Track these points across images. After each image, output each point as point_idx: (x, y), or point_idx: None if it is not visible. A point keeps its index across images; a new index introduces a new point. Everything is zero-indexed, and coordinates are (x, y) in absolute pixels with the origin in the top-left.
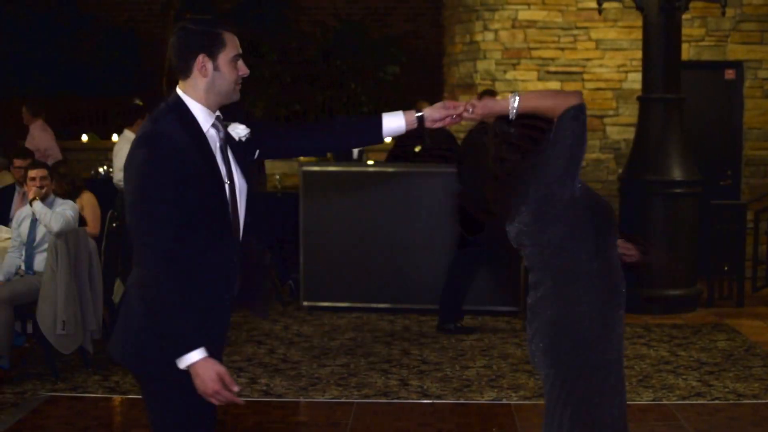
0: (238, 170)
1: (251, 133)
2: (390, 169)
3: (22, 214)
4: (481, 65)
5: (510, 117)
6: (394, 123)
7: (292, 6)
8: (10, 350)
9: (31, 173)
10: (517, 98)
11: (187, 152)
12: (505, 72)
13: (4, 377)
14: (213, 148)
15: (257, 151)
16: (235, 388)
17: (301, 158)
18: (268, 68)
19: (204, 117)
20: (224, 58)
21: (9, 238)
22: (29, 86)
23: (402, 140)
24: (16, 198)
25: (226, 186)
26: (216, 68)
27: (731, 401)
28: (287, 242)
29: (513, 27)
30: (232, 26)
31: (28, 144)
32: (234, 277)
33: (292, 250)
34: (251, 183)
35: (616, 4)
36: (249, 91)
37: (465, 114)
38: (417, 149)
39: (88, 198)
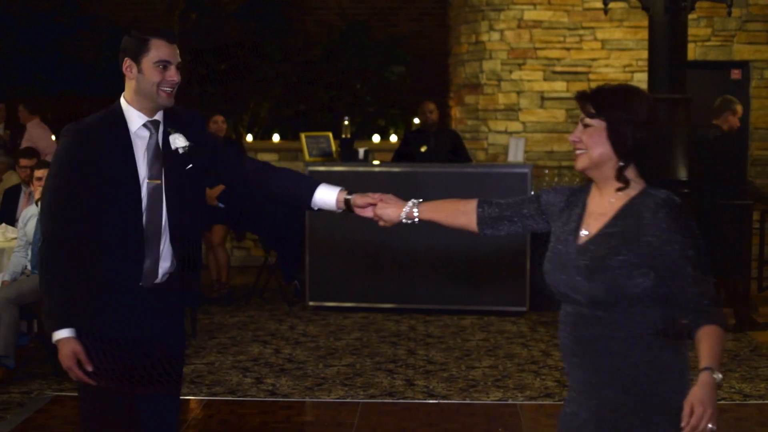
0: (172, 173)
1: (193, 148)
2: (396, 169)
3: (27, 213)
4: (487, 65)
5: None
6: (326, 196)
7: (297, 6)
8: (16, 350)
9: (38, 173)
10: (416, 210)
11: (101, 145)
12: (510, 72)
13: (9, 377)
14: (137, 147)
15: (195, 165)
16: (89, 368)
17: (307, 158)
18: (272, 68)
19: (133, 117)
20: (148, 62)
21: (15, 238)
22: (32, 86)
23: (408, 140)
24: (22, 198)
25: (145, 184)
26: (140, 71)
27: (737, 402)
28: (293, 242)
29: (519, 27)
30: (166, 36)
31: (26, 142)
32: (139, 270)
33: (298, 250)
34: (188, 188)
35: (621, 4)
36: (254, 92)
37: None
38: (423, 149)
39: None
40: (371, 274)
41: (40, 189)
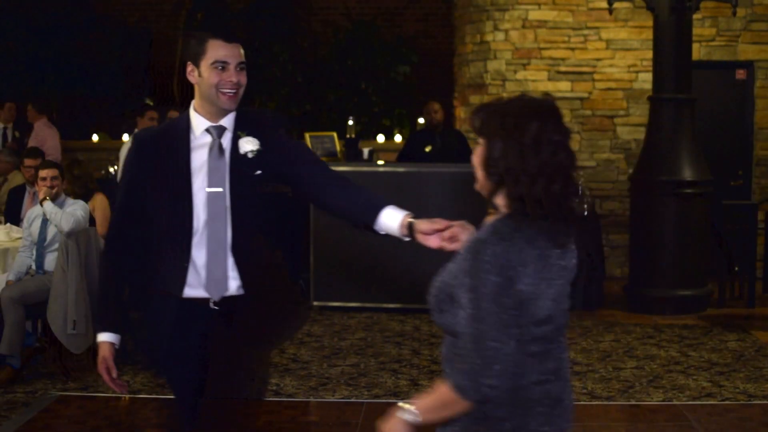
0: (237, 180)
1: (264, 153)
2: (400, 170)
3: (32, 213)
4: (492, 65)
5: None
6: (390, 220)
7: (304, 6)
8: (21, 350)
9: (42, 173)
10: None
11: (156, 153)
12: (515, 72)
13: (15, 376)
14: (197, 154)
15: (264, 170)
16: (114, 374)
17: None
18: (279, 68)
19: (198, 123)
20: (205, 64)
21: (20, 238)
22: (41, 86)
23: (412, 140)
24: (27, 198)
25: (203, 192)
26: (200, 74)
27: (742, 402)
28: (297, 242)
29: (523, 27)
30: (224, 34)
31: (32, 142)
32: (182, 276)
33: (302, 249)
34: (247, 194)
35: (626, 4)
36: (260, 91)
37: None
38: (427, 149)
39: (100, 200)
40: (376, 273)
41: (44, 189)
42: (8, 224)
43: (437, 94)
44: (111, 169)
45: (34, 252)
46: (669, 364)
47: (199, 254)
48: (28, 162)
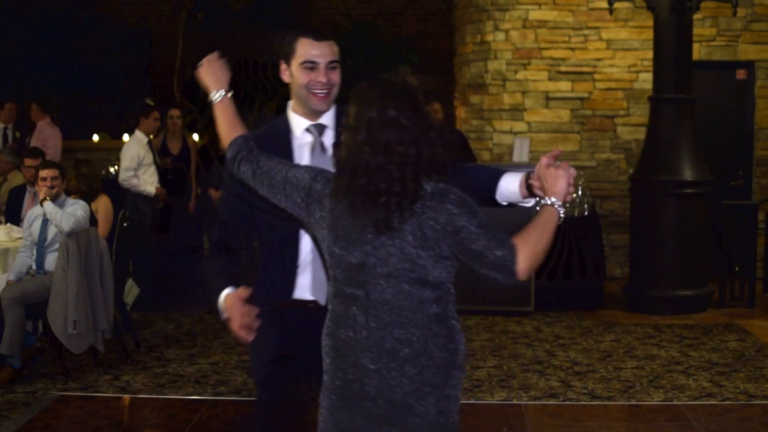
0: None
1: None
2: None
3: (33, 213)
4: (492, 65)
5: None
6: (510, 184)
7: (304, 6)
8: (21, 350)
9: (42, 173)
10: None
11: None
12: (516, 72)
13: (15, 376)
14: (299, 154)
15: None
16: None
17: None
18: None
19: (297, 123)
20: (296, 63)
21: (20, 238)
22: (42, 86)
23: None
24: (27, 198)
25: None
26: (291, 74)
27: (742, 402)
28: None
29: (524, 27)
30: (313, 33)
31: (35, 141)
32: (292, 279)
33: None
34: None
35: (627, 4)
36: (260, 91)
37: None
38: None
39: (103, 202)
40: None
41: (45, 189)
42: (8, 224)
43: (437, 94)
44: (111, 169)
45: (35, 252)
46: (669, 364)
47: (305, 255)
48: (28, 162)
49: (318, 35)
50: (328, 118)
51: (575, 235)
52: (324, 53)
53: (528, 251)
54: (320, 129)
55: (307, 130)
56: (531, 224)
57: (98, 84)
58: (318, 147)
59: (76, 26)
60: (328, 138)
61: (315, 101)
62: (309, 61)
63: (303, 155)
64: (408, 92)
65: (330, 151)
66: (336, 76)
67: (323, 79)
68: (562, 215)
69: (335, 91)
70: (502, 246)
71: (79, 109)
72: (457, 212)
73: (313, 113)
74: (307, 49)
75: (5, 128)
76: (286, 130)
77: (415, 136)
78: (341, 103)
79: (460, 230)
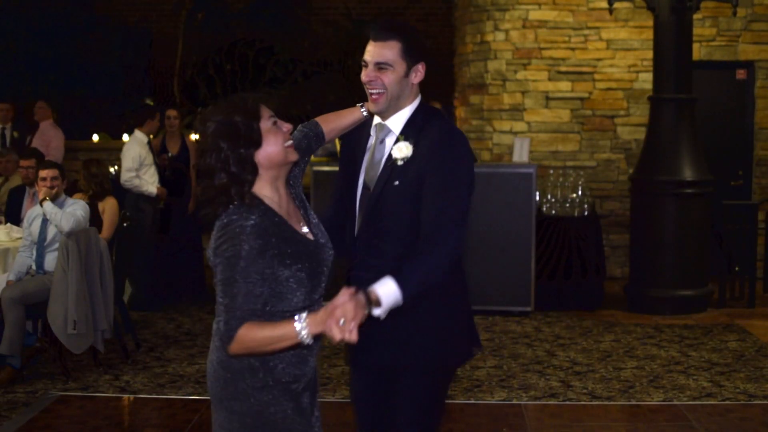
0: (381, 183)
1: (411, 162)
2: None
3: (32, 213)
4: (492, 65)
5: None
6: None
7: (304, 6)
8: (22, 350)
9: (42, 173)
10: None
11: (347, 146)
12: (515, 72)
13: (15, 376)
14: (366, 148)
15: (401, 182)
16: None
17: (312, 158)
18: (280, 68)
19: (376, 117)
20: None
21: (20, 238)
22: (43, 86)
23: None
24: (27, 197)
25: (359, 189)
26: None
27: (742, 402)
28: None
29: (524, 27)
30: (371, 32)
31: (36, 141)
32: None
33: None
34: (396, 203)
35: (626, 4)
36: (261, 91)
37: None
38: None
39: (111, 204)
40: None
41: (44, 190)
42: (8, 224)
43: (437, 95)
44: (111, 170)
45: (35, 252)
46: (669, 364)
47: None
48: (23, 163)
49: (374, 35)
50: (395, 121)
51: (575, 235)
52: (373, 53)
53: (246, 341)
54: (381, 129)
55: (374, 127)
56: (273, 327)
57: (98, 84)
58: (372, 148)
59: (76, 26)
60: (387, 143)
61: (370, 102)
62: (363, 59)
63: (368, 151)
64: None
65: (383, 156)
66: (385, 78)
67: (365, 78)
68: (303, 338)
69: (388, 95)
70: (220, 316)
71: (79, 109)
72: (210, 256)
73: (379, 113)
74: (366, 48)
75: (3, 128)
76: (369, 123)
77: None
78: (422, 112)
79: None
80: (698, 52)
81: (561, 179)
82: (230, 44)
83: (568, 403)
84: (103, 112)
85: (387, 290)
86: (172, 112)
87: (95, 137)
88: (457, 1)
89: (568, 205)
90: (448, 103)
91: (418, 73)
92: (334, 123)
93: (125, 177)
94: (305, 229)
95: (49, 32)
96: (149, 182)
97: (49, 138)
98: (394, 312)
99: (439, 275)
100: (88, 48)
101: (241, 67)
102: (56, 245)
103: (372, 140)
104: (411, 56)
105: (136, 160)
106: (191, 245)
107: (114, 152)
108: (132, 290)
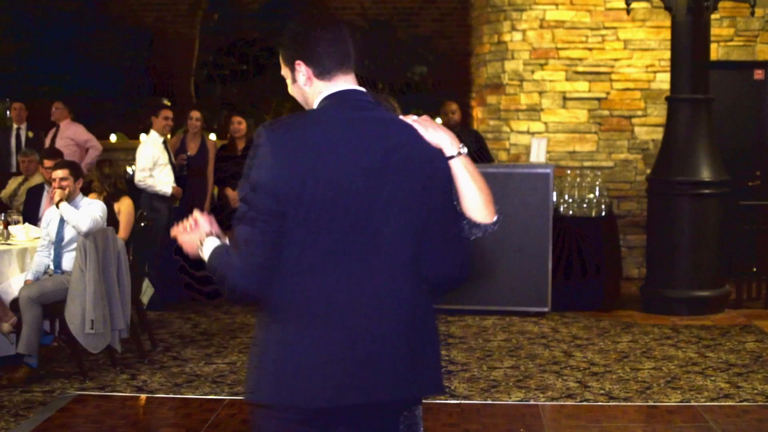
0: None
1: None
2: None
3: (50, 213)
4: (509, 65)
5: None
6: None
7: (319, 6)
8: (39, 349)
9: (53, 174)
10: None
11: None
12: (533, 72)
13: (32, 376)
14: None
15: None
16: None
17: None
18: None
19: None
20: None
21: (38, 238)
22: (54, 86)
23: None
24: (45, 197)
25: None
26: None
27: (760, 403)
28: None
29: (541, 27)
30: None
31: (61, 141)
32: None
33: None
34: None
35: (644, 4)
36: (275, 91)
37: None
38: None
39: (126, 204)
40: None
41: (58, 192)
42: (26, 224)
43: (454, 95)
44: (129, 169)
45: (52, 251)
46: (687, 365)
47: None
48: (47, 163)
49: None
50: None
51: (592, 235)
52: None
53: None
54: None
55: None
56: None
57: (114, 85)
58: None
59: (89, 27)
60: None
61: None
62: None
63: None
64: None
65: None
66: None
67: None
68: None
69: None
70: None
71: (93, 109)
72: None
73: None
74: None
75: (18, 128)
76: None
77: None
78: None
79: None
80: (716, 52)
81: (578, 180)
82: (245, 44)
83: (585, 403)
84: (118, 112)
85: (211, 244)
86: (195, 114)
87: (113, 137)
88: (473, 1)
89: (585, 205)
90: (465, 103)
91: (300, 74)
92: None
93: (139, 177)
94: None
95: (62, 33)
96: (164, 182)
97: (73, 134)
98: None
99: (224, 287)
100: (101, 48)
101: (256, 66)
102: (74, 245)
103: None
104: (286, 60)
105: (149, 160)
106: None
107: (132, 152)
108: (153, 292)
